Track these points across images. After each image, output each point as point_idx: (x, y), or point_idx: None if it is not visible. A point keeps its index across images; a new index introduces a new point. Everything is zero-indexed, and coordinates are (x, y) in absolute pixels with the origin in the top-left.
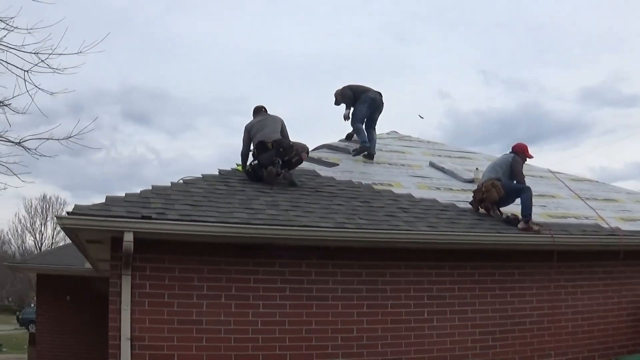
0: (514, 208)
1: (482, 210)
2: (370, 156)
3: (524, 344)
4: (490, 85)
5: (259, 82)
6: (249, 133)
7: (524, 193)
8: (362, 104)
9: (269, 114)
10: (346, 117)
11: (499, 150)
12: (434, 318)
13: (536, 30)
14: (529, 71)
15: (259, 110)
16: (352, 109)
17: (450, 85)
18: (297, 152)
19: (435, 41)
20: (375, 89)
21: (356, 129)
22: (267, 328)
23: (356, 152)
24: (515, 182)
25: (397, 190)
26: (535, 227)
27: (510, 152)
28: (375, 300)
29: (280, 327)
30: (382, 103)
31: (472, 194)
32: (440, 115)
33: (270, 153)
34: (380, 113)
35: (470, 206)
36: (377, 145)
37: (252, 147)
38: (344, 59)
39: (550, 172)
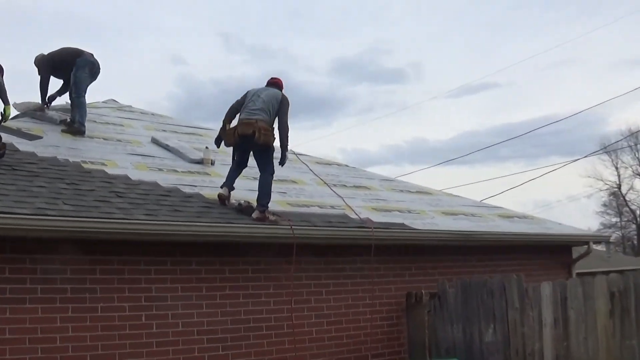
0: (246, 194)
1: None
2: (81, 133)
3: (260, 353)
4: (233, 52)
5: None
6: None
7: (267, 173)
8: (81, 70)
9: None
10: (52, 99)
11: None
12: (154, 323)
13: None
14: (279, 38)
15: None
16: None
17: (187, 49)
18: None
19: None
20: (86, 51)
21: (79, 104)
22: None
23: (69, 131)
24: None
25: (111, 170)
26: (272, 217)
27: (268, 86)
28: (83, 302)
29: None
30: (99, 68)
31: (230, 128)
32: (171, 84)
33: None
34: (94, 80)
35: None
36: (90, 116)
37: None
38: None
39: (293, 153)
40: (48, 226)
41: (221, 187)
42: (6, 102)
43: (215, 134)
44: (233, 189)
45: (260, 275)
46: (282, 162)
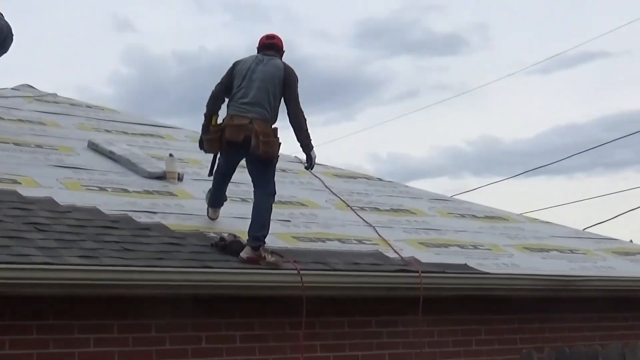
0: (231, 223)
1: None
2: None
3: None
4: (205, 11)
5: None
6: None
7: (265, 194)
8: None
9: None
10: None
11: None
12: None
13: None
14: None
15: None
16: None
17: (138, 10)
18: None
19: None
20: None
21: None
22: None
23: None
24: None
25: (28, 191)
26: (271, 258)
27: (266, 55)
28: None
29: None
30: (12, 34)
31: (215, 128)
32: (116, 61)
33: None
34: (5, 52)
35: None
36: None
37: None
38: None
39: (299, 161)
40: None
41: (211, 207)
42: None
43: (190, 134)
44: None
45: (254, 345)
46: (310, 166)
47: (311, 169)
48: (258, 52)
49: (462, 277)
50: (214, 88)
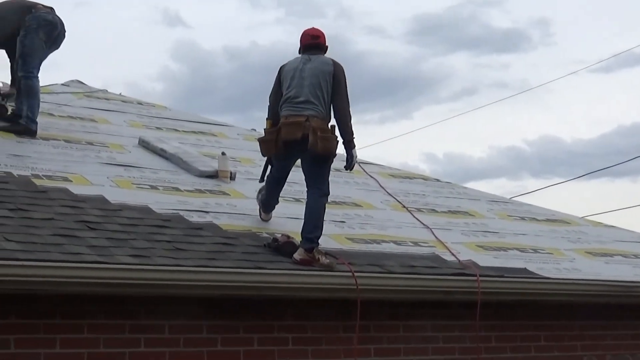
0: (284, 224)
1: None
2: (31, 133)
3: None
4: (258, 6)
5: None
6: None
7: (319, 194)
8: (32, 34)
9: None
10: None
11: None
12: None
13: None
14: None
15: None
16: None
17: (188, 4)
18: None
19: None
20: (41, 4)
21: (28, 87)
22: None
23: (12, 129)
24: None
25: (78, 189)
26: (325, 260)
27: (312, 55)
28: None
29: None
30: (64, 30)
31: (269, 129)
32: (167, 56)
33: None
34: (57, 48)
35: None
36: (45, 106)
37: None
38: None
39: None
40: None
41: (263, 211)
42: None
43: (242, 133)
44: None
45: (307, 348)
46: (349, 166)
47: (350, 170)
48: (303, 52)
49: (522, 282)
50: (269, 101)
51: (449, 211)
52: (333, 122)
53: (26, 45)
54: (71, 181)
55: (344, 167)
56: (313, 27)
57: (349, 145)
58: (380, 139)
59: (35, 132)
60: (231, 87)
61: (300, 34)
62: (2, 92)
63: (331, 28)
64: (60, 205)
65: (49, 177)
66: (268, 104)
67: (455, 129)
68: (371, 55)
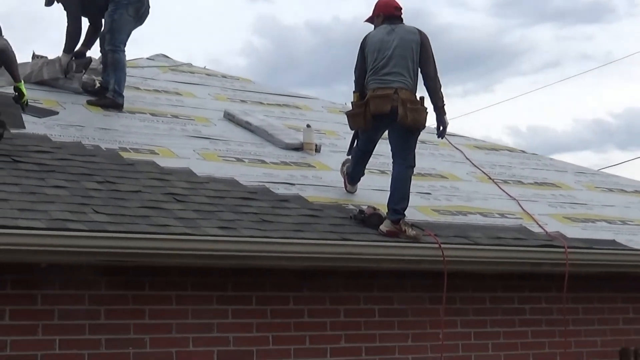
0: (369, 195)
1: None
2: (118, 107)
3: None
4: None
5: None
6: None
7: (405, 165)
8: (122, 9)
9: None
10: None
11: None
12: None
13: None
14: None
15: None
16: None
17: None
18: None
19: None
20: None
21: (115, 61)
22: None
23: (100, 102)
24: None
25: (165, 161)
26: (411, 231)
27: (392, 23)
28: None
29: None
30: (149, 6)
31: (357, 103)
32: (249, 31)
33: None
34: (141, 24)
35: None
36: (130, 80)
37: None
38: None
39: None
40: (71, 246)
41: (349, 183)
42: (17, 78)
43: (326, 105)
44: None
45: (393, 319)
46: (441, 133)
47: (442, 137)
48: (383, 23)
49: (611, 254)
50: (354, 74)
51: (536, 183)
52: (420, 92)
53: (115, 19)
54: (158, 154)
55: (436, 135)
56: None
57: (440, 111)
58: (463, 112)
59: (122, 105)
60: (313, 61)
61: (377, 5)
62: (90, 66)
63: (413, 1)
64: (148, 178)
65: (136, 150)
66: (354, 77)
67: (538, 102)
68: (454, 29)
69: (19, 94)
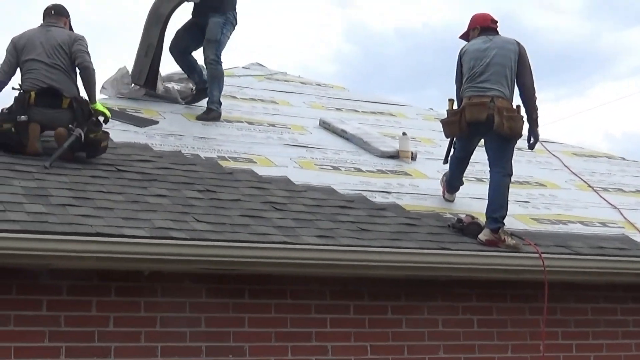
0: (467, 204)
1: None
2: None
3: None
4: None
5: None
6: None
7: (503, 173)
8: (229, 26)
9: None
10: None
11: (440, 102)
12: None
13: None
14: None
15: (48, 14)
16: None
17: None
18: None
19: None
20: None
21: (217, 73)
22: None
23: (209, 118)
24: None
25: (263, 170)
26: (510, 241)
27: (489, 34)
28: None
29: None
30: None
31: (453, 111)
32: (340, 38)
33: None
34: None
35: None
36: (229, 89)
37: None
38: None
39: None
40: (171, 255)
41: (448, 191)
42: (93, 99)
43: (413, 113)
44: None
45: (492, 330)
46: (531, 145)
47: (532, 149)
48: (479, 34)
49: None
50: (455, 85)
51: (637, 191)
52: (516, 101)
53: (224, 34)
54: (255, 162)
55: (528, 145)
56: (487, 13)
57: (534, 123)
58: (556, 118)
59: (220, 114)
60: (402, 67)
61: (473, 18)
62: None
63: (504, 4)
64: (247, 187)
65: (234, 159)
66: (455, 88)
67: (633, 107)
68: (544, 32)
69: (96, 112)
